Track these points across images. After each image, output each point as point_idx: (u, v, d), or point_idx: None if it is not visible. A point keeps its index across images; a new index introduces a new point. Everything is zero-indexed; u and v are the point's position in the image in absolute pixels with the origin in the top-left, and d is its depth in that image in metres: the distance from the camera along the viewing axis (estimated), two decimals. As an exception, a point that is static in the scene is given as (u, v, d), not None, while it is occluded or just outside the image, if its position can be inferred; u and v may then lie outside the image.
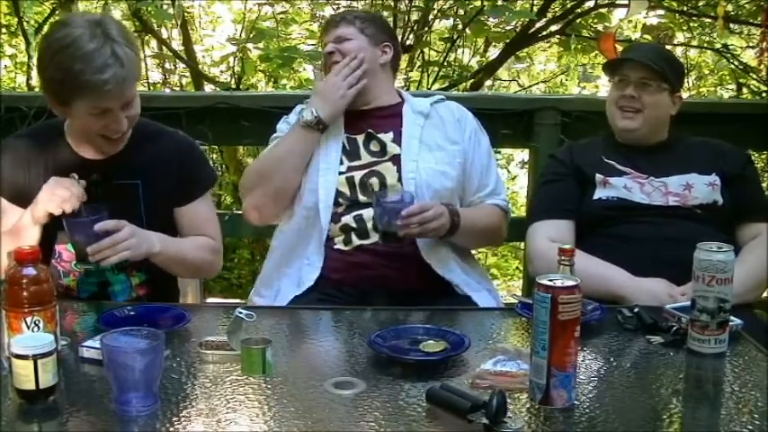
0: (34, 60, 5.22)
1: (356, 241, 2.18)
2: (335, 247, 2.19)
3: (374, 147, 2.27)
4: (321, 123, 2.22)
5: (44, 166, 2.02)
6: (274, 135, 2.36)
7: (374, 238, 2.16)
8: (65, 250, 2.06)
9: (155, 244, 1.96)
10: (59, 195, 1.87)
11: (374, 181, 2.20)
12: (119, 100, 1.90)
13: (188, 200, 2.13)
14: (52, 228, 1.97)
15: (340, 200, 2.19)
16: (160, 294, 2.17)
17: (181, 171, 2.11)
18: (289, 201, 2.26)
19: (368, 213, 2.16)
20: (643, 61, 2.30)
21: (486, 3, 4.50)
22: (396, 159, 2.22)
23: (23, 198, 1.98)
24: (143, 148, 2.09)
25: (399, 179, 2.19)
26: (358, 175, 2.21)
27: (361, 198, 2.19)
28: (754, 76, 5.07)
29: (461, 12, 4.81)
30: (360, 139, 2.27)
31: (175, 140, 2.17)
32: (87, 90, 1.83)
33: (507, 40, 4.97)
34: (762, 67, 4.39)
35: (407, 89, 4.18)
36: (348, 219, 2.18)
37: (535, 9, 4.76)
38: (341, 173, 2.21)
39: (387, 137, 2.27)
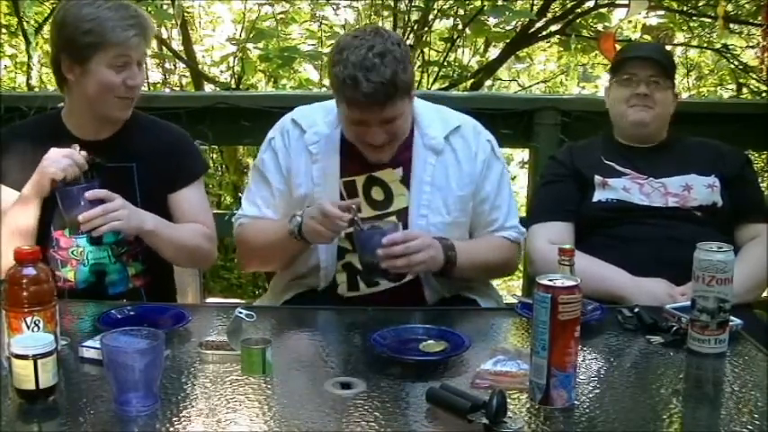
0: (34, 60, 5.23)
1: (363, 288, 2.05)
2: (338, 292, 2.07)
3: (377, 194, 2.04)
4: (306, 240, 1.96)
5: (42, 153, 2.03)
6: (259, 166, 2.14)
7: (383, 285, 2.02)
8: (62, 236, 2.08)
9: (147, 221, 1.99)
10: (61, 162, 1.91)
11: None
12: (138, 51, 2.00)
13: (179, 185, 2.15)
14: (49, 213, 2.01)
15: (342, 250, 2.05)
16: (157, 287, 2.19)
17: (173, 157, 2.16)
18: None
19: None
20: (656, 58, 2.30)
21: (486, 3, 4.50)
22: (402, 214, 2.02)
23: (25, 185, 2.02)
24: (138, 133, 2.14)
25: None
26: None
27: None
28: (754, 76, 5.08)
29: (461, 12, 4.82)
30: (359, 182, 2.03)
31: (169, 129, 2.24)
32: (114, 36, 1.94)
33: (507, 40, 4.97)
34: (762, 67, 4.40)
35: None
36: (352, 257, 2.03)
37: (535, 9, 4.77)
38: None
39: (395, 174, 2.03)
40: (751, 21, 4.70)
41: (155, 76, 5.53)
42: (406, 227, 2.00)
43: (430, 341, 1.63)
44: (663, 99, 2.29)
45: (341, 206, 1.89)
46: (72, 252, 2.09)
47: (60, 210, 1.94)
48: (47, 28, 5.34)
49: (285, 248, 2.05)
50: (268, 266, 2.26)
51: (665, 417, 1.41)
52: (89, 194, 1.88)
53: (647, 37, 5.25)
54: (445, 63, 5.13)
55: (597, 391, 1.48)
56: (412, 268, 1.89)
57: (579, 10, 4.84)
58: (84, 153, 1.96)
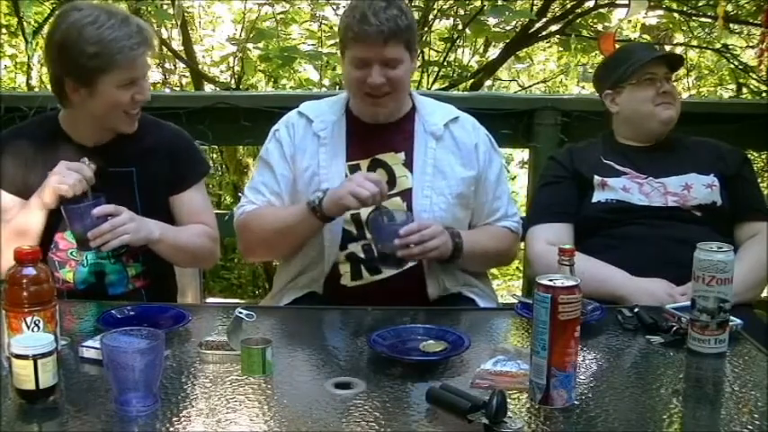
0: (34, 60, 5.23)
1: (366, 276, 2.07)
2: (341, 282, 2.08)
3: (380, 177, 2.05)
4: (322, 213, 1.98)
5: (42, 157, 2.05)
6: (263, 156, 2.17)
7: (386, 272, 2.06)
8: (62, 239, 2.08)
9: (154, 231, 2.00)
10: (70, 178, 1.90)
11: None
12: (145, 66, 2.00)
13: (182, 188, 2.16)
14: (54, 219, 2.00)
15: (346, 238, 2.07)
16: (157, 287, 2.18)
17: (174, 159, 2.15)
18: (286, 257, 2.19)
19: None
20: (669, 56, 2.37)
21: (486, 3, 4.50)
22: (406, 194, 2.07)
23: (25, 190, 2.02)
24: (138, 137, 2.12)
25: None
26: (365, 212, 2.03)
27: (369, 236, 2.05)
28: (754, 76, 5.08)
29: (461, 12, 4.82)
30: (364, 166, 2.10)
31: (169, 131, 2.22)
32: (123, 58, 1.91)
33: (507, 40, 4.97)
34: (762, 67, 4.40)
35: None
36: (356, 247, 2.07)
37: (535, 9, 4.77)
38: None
39: (398, 158, 2.10)
40: (751, 21, 4.70)
41: (155, 76, 5.54)
42: (410, 208, 2.05)
43: (430, 341, 1.63)
44: (678, 94, 2.36)
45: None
46: (71, 253, 2.09)
47: (67, 225, 1.95)
48: (47, 28, 5.35)
49: (295, 231, 2.05)
50: (273, 253, 2.24)
51: (665, 417, 1.41)
52: (96, 211, 1.88)
53: (647, 37, 5.25)
54: (445, 63, 5.14)
55: (597, 391, 1.48)
56: (426, 255, 1.95)
57: (579, 10, 4.84)
58: (93, 166, 1.95)
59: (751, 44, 5.45)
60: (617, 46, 3.38)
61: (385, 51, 2.00)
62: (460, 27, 4.91)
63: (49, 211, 1.98)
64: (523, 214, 2.47)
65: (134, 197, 2.07)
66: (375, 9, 1.98)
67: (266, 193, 2.14)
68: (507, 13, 4.43)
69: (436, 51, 5.40)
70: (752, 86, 5.31)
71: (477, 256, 2.12)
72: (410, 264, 2.02)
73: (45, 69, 5.75)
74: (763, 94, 5.00)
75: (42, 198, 1.94)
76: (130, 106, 2.00)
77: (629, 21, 5.15)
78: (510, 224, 2.21)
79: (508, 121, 3.10)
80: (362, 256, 2.07)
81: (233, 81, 5.19)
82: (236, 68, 5.16)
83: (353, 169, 2.09)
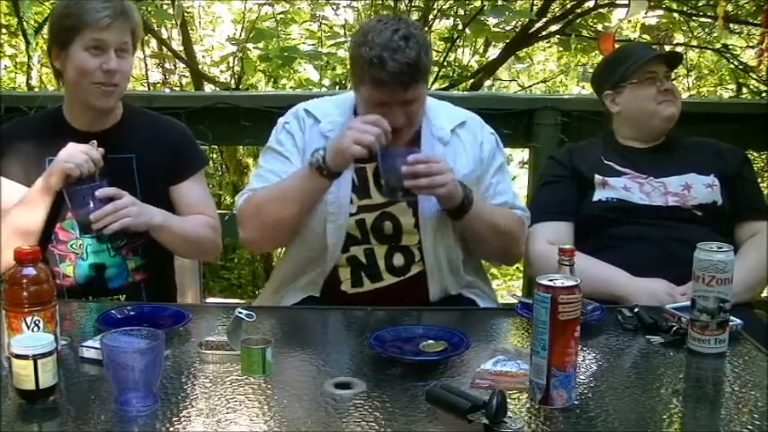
0: (34, 60, 5.23)
1: (367, 284, 2.05)
2: (341, 288, 2.06)
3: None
4: (329, 170, 1.92)
5: (44, 145, 2.06)
6: (274, 147, 2.11)
7: (387, 280, 2.04)
8: (60, 230, 2.09)
9: (155, 216, 2.01)
10: (77, 157, 1.92)
11: (388, 225, 2.03)
12: (115, 36, 1.99)
13: (181, 177, 2.17)
14: (54, 211, 2.01)
15: (349, 242, 2.04)
16: (157, 282, 2.19)
17: (173, 149, 2.17)
18: (288, 239, 2.12)
19: (380, 250, 2.04)
20: (668, 55, 2.39)
21: (486, 3, 4.50)
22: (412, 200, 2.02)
23: (27, 179, 2.03)
24: (137, 125, 2.15)
25: (416, 224, 2.03)
26: (369, 218, 2.03)
27: (374, 242, 2.04)
28: (754, 76, 5.08)
29: (461, 12, 4.83)
30: (369, 170, 2.04)
31: (167, 122, 2.25)
32: (89, 18, 1.96)
33: (507, 40, 4.97)
34: (762, 67, 4.40)
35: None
36: (357, 251, 2.05)
37: (535, 9, 4.77)
38: (351, 214, 2.03)
39: None
40: (751, 21, 4.70)
41: (155, 76, 5.55)
42: (415, 211, 2.03)
43: (430, 341, 1.63)
44: (678, 92, 2.37)
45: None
46: (71, 245, 2.10)
47: (69, 209, 1.96)
48: (47, 28, 5.35)
49: (296, 197, 1.98)
50: (270, 231, 2.07)
51: (665, 417, 1.41)
52: (98, 193, 1.89)
53: (647, 37, 5.25)
54: (445, 63, 5.14)
55: (597, 391, 1.47)
56: (433, 189, 1.90)
57: (579, 10, 4.84)
58: (101, 150, 1.96)
59: (751, 44, 5.45)
60: (617, 46, 3.39)
61: (405, 95, 1.93)
62: (460, 27, 4.92)
63: (50, 203, 1.99)
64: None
65: (134, 185, 2.07)
66: (393, 48, 1.87)
67: (274, 181, 2.07)
68: (507, 13, 4.43)
69: (436, 51, 5.40)
70: (752, 86, 5.31)
71: (487, 223, 2.04)
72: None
73: (45, 69, 5.77)
74: (763, 94, 5.00)
75: (49, 179, 1.95)
76: (99, 76, 1.99)
77: (629, 21, 5.16)
78: (517, 212, 2.15)
79: (508, 121, 3.09)
80: (364, 261, 2.05)
81: (233, 81, 5.19)
82: (236, 68, 5.17)
83: (360, 171, 2.05)
